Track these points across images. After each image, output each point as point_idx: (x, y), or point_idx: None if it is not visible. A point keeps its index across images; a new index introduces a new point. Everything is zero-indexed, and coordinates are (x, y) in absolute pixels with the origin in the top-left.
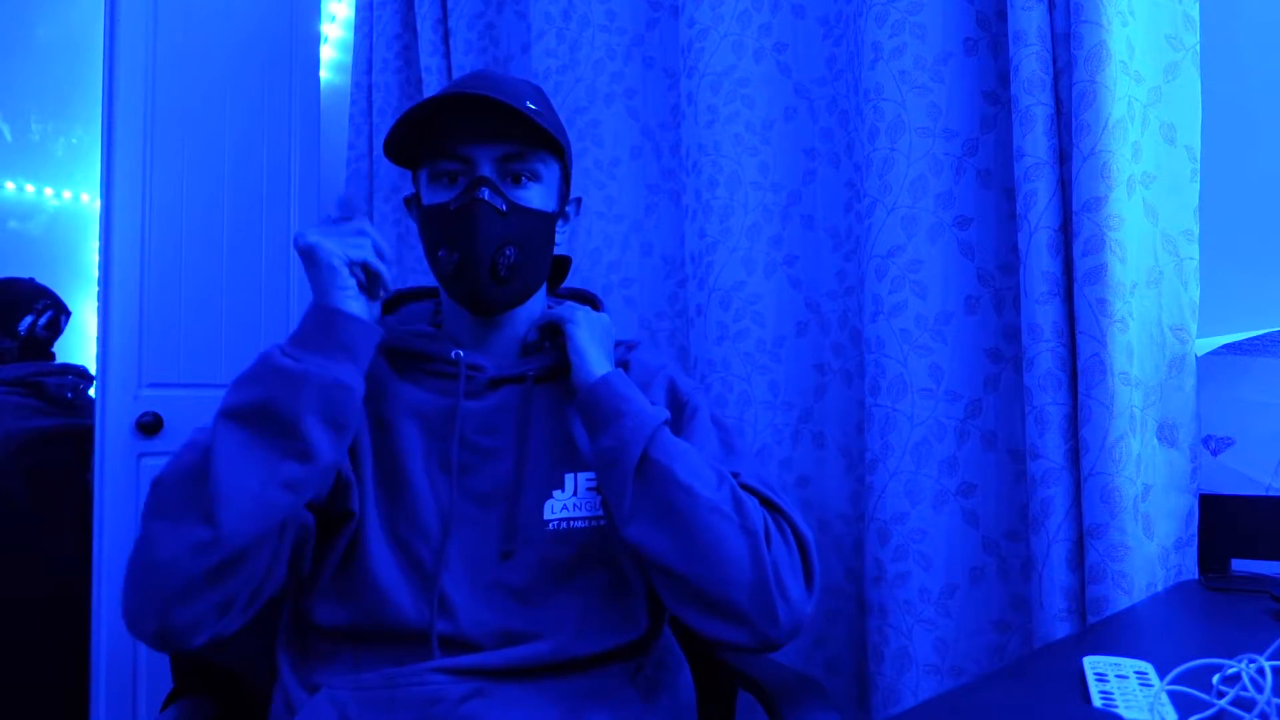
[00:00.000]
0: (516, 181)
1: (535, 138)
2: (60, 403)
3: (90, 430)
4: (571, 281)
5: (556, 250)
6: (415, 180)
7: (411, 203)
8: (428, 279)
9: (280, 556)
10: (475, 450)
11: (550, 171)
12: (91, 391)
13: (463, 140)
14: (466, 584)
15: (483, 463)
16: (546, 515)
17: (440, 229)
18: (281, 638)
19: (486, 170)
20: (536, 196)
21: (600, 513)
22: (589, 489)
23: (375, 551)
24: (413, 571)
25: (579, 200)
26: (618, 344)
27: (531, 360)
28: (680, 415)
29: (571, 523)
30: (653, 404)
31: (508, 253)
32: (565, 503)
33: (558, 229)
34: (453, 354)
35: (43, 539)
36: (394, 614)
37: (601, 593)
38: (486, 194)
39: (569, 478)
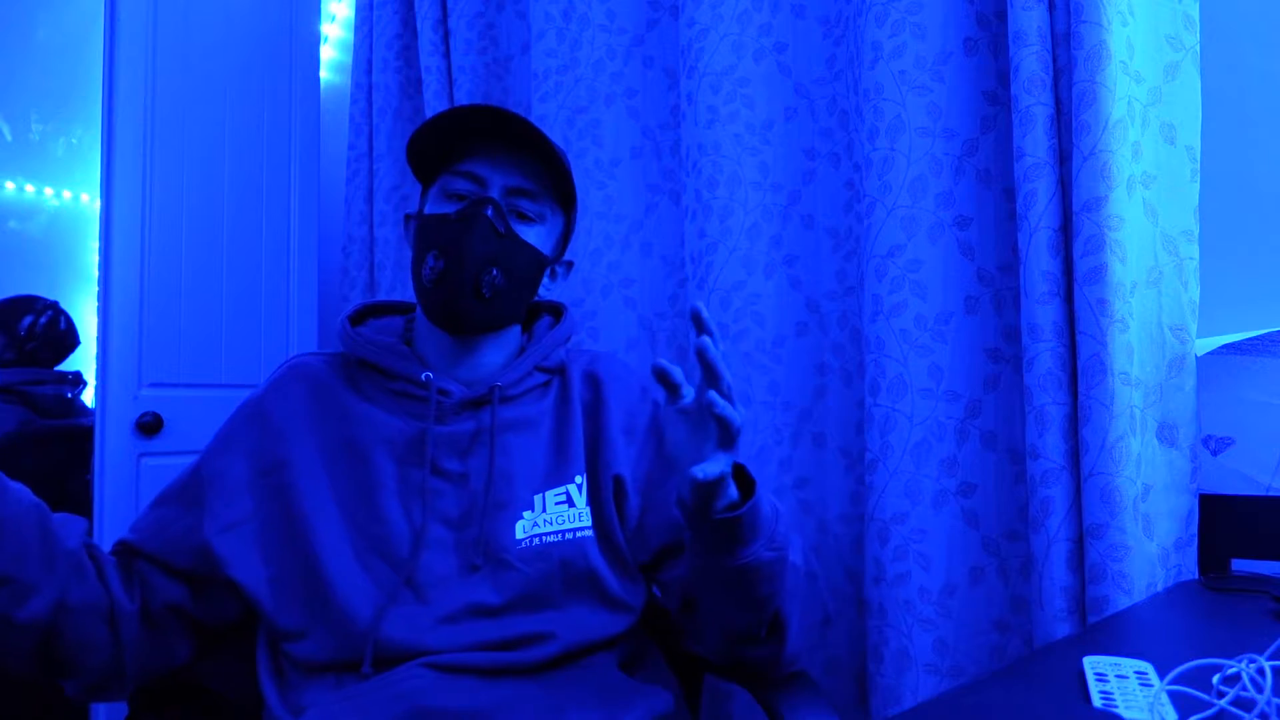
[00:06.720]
0: (521, 218)
1: (548, 178)
2: (48, 411)
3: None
4: (571, 282)
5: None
6: (423, 197)
7: (411, 218)
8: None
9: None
10: (444, 476)
11: (554, 221)
12: (86, 396)
13: (482, 156)
14: (442, 608)
15: (452, 487)
16: (518, 535)
17: (436, 234)
18: (261, 669)
19: (495, 194)
20: (534, 236)
21: (574, 525)
22: (557, 504)
23: (344, 584)
24: (385, 599)
25: (570, 264)
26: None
27: (496, 381)
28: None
29: (543, 538)
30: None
31: (494, 273)
32: (535, 520)
33: (545, 277)
34: (423, 376)
35: None
36: (370, 643)
37: (587, 605)
38: (490, 212)
39: (537, 498)
